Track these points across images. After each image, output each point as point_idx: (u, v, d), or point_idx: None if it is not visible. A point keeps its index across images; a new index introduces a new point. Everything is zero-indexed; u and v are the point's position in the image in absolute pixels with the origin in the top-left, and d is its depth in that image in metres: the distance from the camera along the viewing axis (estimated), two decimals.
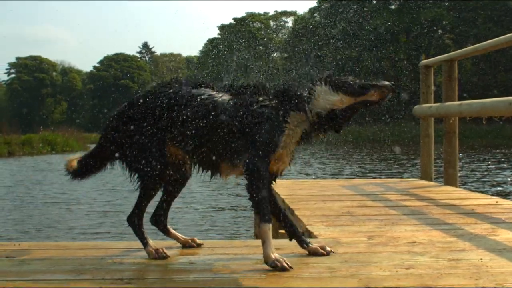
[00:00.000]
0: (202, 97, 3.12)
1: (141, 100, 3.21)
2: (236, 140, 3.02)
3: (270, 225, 2.94)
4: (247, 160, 2.96)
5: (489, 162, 20.76)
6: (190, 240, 3.46)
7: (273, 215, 3.31)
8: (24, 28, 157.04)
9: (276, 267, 2.84)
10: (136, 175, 3.19)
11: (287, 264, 2.86)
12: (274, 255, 2.89)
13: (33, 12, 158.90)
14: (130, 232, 3.27)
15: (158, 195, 3.36)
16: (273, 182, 3.23)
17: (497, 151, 27.44)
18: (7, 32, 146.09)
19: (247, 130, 3.00)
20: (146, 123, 3.14)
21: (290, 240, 3.29)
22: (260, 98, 3.09)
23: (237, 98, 3.11)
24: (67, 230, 9.44)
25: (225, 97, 3.13)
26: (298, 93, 3.09)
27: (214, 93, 3.15)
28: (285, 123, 3.02)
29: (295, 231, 3.27)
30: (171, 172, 3.28)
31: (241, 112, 3.04)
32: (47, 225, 9.97)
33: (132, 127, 3.16)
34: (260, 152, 2.95)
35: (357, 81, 3.06)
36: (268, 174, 2.99)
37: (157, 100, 3.16)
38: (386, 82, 3.03)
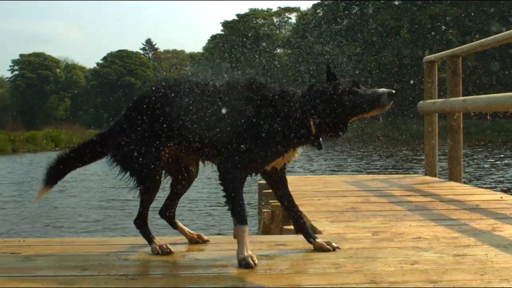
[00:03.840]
0: (200, 92, 3.08)
1: (142, 100, 3.18)
2: (234, 137, 2.96)
3: (246, 226, 2.92)
4: (226, 164, 2.94)
5: (494, 158, 20.73)
6: (196, 236, 3.46)
7: (282, 205, 3.31)
8: (28, 25, 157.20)
9: (241, 266, 2.82)
10: (132, 178, 3.17)
11: (252, 261, 2.83)
12: (244, 254, 2.85)
13: (36, 8, 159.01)
14: (135, 228, 3.27)
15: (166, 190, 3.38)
16: (283, 171, 3.21)
17: (504, 146, 27.40)
18: (10, 29, 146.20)
19: (243, 131, 2.95)
20: (141, 125, 3.11)
21: (296, 233, 3.29)
22: (268, 101, 2.99)
23: (240, 95, 3.04)
24: (71, 226, 9.46)
25: (226, 92, 3.07)
26: (306, 109, 2.96)
27: (213, 88, 3.10)
28: (289, 142, 2.97)
29: (303, 224, 3.26)
30: (177, 170, 3.29)
31: (243, 111, 2.98)
32: (51, 222, 9.99)
33: (127, 130, 3.14)
34: (246, 161, 2.92)
35: (357, 90, 2.93)
36: (244, 180, 2.97)
37: (155, 100, 3.12)
38: (386, 93, 2.90)
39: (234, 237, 2.94)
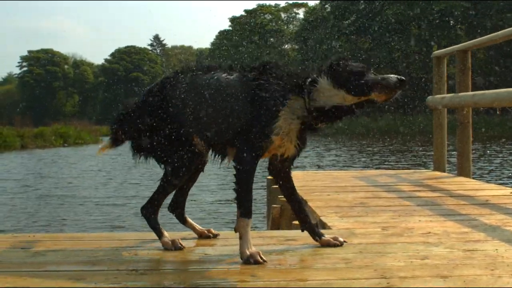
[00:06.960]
0: (211, 79, 3.04)
1: (155, 89, 3.15)
2: (238, 121, 2.93)
3: (249, 220, 2.88)
4: (236, 152, 2.92)
5: (504, 154, 20.64)
6: (206, 231, 3.44)
7: (289, 203, 3.29)
8: (36, 22, 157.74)
9: (249, 263, 2.79)
10: (165, 166, 3.11)
11: (261, 257, 2.80)
12: (250, 250, 2.83)
13: (44, 5, 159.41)
14: (144, 224, 3.27)
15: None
16: (288, 168, 3.17)
17: None
18: (19, 25, 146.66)
19: (244, 111, 2.91)
20: (168, 114, 3.06)
21: (302, 231, 3.27)
22: (263, 77, 2.95)
23: (242, 77, 3.01)
24: (79, 223, 9.48)
25: (232, 76, 3.04)
26: (301, 79, 2.94)
27: (222, 74, 3.05)
28: (282, 107, 2.90)
29: (309, 222, 3.25)
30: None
31: (242, 92, 2.94)
32: (58, 218, 10.02)
33: (157, 118, 3.08)
34: (250, 143, 2.89)
35: (365, 73, 2.85)
36: (255, 166, 2.93)
37: (174, 87, 3.08)
38: (395, 78, 2.82)
39: (235, 231, 2.92)
